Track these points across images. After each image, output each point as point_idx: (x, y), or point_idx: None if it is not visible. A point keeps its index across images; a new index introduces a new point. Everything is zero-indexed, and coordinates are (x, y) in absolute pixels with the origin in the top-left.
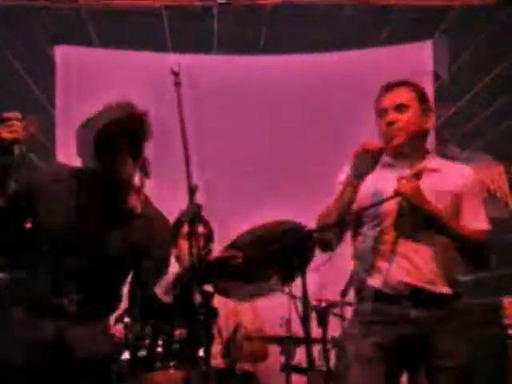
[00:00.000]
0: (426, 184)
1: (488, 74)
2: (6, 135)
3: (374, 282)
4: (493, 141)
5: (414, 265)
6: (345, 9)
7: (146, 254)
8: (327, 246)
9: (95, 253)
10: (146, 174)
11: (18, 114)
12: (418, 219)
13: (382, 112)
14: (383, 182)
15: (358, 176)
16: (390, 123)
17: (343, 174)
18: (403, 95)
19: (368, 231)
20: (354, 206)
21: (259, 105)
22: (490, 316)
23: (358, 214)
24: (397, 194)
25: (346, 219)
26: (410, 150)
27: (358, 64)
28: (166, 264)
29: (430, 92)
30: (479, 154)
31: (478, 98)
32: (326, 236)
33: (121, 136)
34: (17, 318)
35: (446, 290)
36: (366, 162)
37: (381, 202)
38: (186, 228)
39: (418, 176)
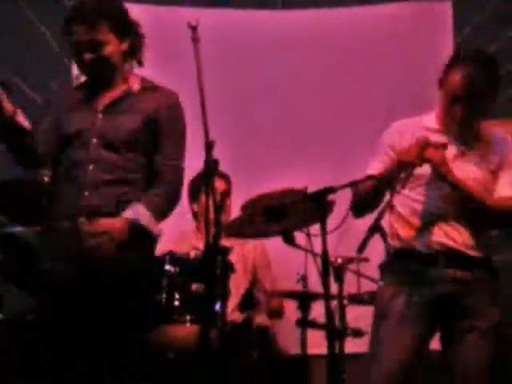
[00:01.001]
0: (472, 154)
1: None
2: None
3: (414, 241)
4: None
5: (452, 227)
6: None
7: (157, 121)
8: (362, 210)
9: (108, 141)
10: (137, 60)
11: None
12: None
13: (453, 93)
14: None
15: (401, 169)
16: (463, 117)
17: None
18: (478, 82)
19: (407, 192)
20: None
21: (279, 61)
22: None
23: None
24: (424, 160)
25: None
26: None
27: (379, 19)
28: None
29: (449, 50)
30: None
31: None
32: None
33: (94, 10)
34: None
35: (478, 253)
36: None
37: (414, 166)
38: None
39: (445, 147)
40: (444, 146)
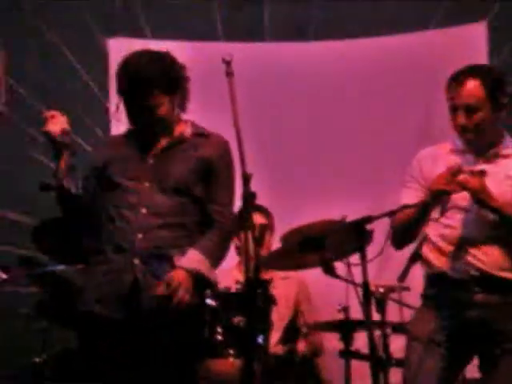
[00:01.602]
0: (499, 169)
1: None
2: (53, 128)
3: (444, 266)
4: None
5: (481, 251)
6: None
7: (210, 169)
8: (401, 242)
9: (160, 185)
10: (182, 107)
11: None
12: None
13: (453, 108)
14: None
15: (437, 198)
16: (462, 126)
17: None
18: (474, 94)
19: (438, 217)
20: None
21: (313, 91)
22: None
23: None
24: (463, 188)
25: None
26: (482, 140)
27: (411, 48)
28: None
29: None
30: None
31: None
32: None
33: (147, 80)
34: None
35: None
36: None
37: (443, 194)
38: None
39: (483, 173)
40: (482, 173)
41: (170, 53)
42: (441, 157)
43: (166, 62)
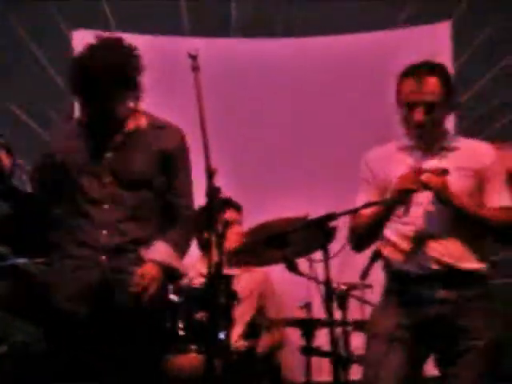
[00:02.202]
0: (448, 162)
1: (499, 60)
2: None
3: (404, 263)
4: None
5: (441, 244)
6: None
7: (170, 160)
8: (362, 244)
9: (121, 180)
10: (137, 99)
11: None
12: (442, 206)
13: (410, 104)
14: (406, 165)
15: (402, 197)
16: (418, 123)
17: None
18: (434, 91)
19: (402, 215)
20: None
21: (278, 88)
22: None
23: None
24: (425, 187)
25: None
26: (431, 136)
27: (373, 46)
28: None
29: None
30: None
31: (494, 82)
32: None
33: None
34: None
35: (473, 265)
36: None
37: (408, 194)
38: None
39: (445, 172)
40: (444, 172)
41: (123, 41)
42: (390, 156)
43: (119, 54)
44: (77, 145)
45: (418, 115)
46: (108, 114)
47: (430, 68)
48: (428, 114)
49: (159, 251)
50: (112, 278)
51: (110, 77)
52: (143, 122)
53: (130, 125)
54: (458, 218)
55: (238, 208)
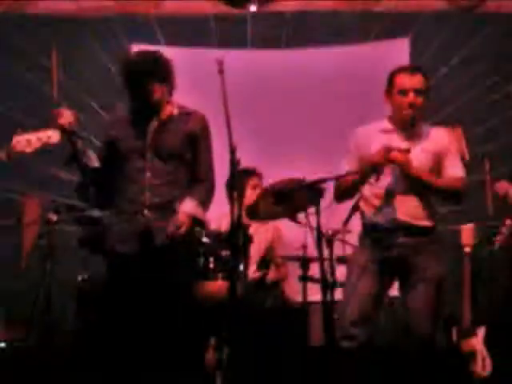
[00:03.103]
0: (416, 144)
1: (445, 65)
2: (62, 121)
3: (374, 216)
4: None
5: (403, 204)
6: (342, 14)
7: (195, 139)
8: (343, 198)
9: (159, 157)
10: (170, 93)
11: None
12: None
13: (402, 91)
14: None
15: (374, 168)
16: (412, 105)
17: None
18: (422, 81)
19: (374, 180)
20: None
21: (284, 89)
22: (453, 239)
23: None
24: (392, 162)
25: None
26: (414, 120)
27: (353, 56)
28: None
29: None
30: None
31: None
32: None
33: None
34: None
35: (424, 222)
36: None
37: (379, 166)
38: (251, 180)
39: (407, 151)
40: (407, 151)
41: (161, 52)
42: (372, 135)
43: (160, 58)
44: (126, 129)
45: (410, 97)
46: (148, 104)
47: (417, 67)
48: (416, 97)
49: (187, 205)
50: (153, 226)
51: (146, 76)
52: (175, 110)
53: (166, 112)
54: (415, 186)
55: (258, 175)
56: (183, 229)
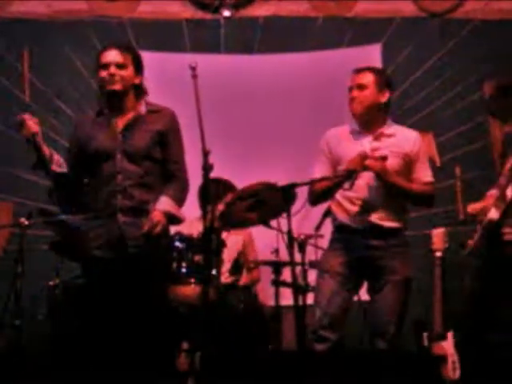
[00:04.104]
0: (384, 146)
1: (417, 70)
2: (25, 132)
3: (345, 219)
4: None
5: (373, 208)
6: (317, 20)
7: (164, 137)
8: (317, 202)
9: (129, 158)
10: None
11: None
12: (379, 182)
13: (349, 89)
14: (354, 146)
15: (349, 174)
16: (352, 99)
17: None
18: (364, 77)
19: (348, 187)
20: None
21: (257, 94)
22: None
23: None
24: (368, 169)
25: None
26: (368, 118)
27: (326, 61)
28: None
29: None
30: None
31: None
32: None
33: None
34: None
35: (394, 224)
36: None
37: (355, 173)
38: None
39: (384, 159)
40: (384, 158)
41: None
42: (343, 137)
43: (134, 51)
44: (94, 130)
45: (354, 94)
46: (117, 104)
47: (366, 67)
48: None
49: (163, 203)
50: (126, 230)
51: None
52: (143, 108)
53: (134, 112)
54: (388, 191)
55: (233, 189)
56: (159, 227)
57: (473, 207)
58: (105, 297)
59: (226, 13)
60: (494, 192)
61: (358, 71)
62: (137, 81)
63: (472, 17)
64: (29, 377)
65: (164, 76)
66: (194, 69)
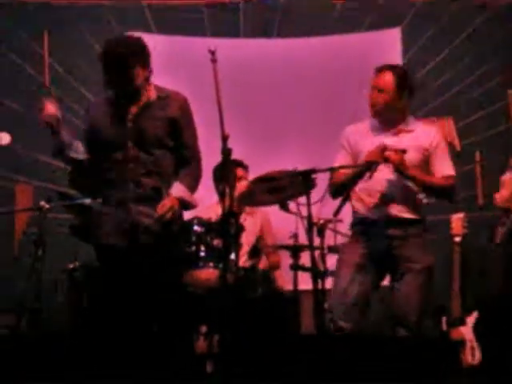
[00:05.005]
0: (403, 141)
1: (437, 55)
2: (45, 117)
3: (365, 211)
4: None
5: (391, 200)
6: (336, 3)
7: (176, 123)
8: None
9: (141, 146)
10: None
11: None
12: (397, 175)
13: (372, 88)
14: (374, 142)
15: (369, 166)
16: (373, 100)
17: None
18: (385, 79)
19: (368, 178)
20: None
21: (275, 78)
22: (443, 228)
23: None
24: (387, 161)
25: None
26: (387, 118)
27: (345, 45)
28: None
29: None
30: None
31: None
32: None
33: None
34: None
35: (413, 216)
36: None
37: (374, 164)
38: (237, 171)
39: (404, 152)
40: (403, 151)
41: (141, 37)
42: (363, 133)
43: (141, 42)
44: (104, 119)
45: (374, 96)
46: (130, 89)
47: (387, 66)
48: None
49: (176, 188)
50: (138, 219)
51: (131, 59)
52: (153, 94)
53: (144, 98)
54: (406, 184)
55: (244, 167)
56: (171, 212)
57: (501, 196)
58: (120, 283)
59: None
60: (508, 176)
61: (379, 71)
62: (147, 73)
63: (492, 1)
64: (49, 361)
65: (182, 60)
66: (213, 53)
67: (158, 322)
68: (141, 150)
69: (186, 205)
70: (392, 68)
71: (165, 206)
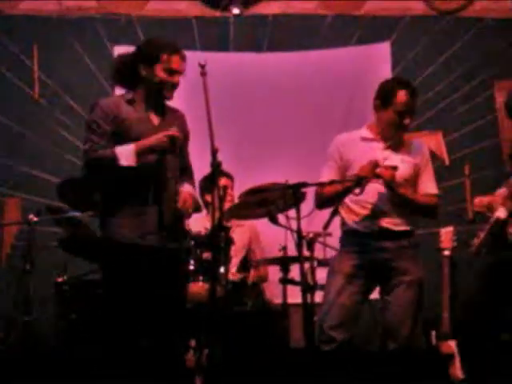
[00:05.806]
0: (396, 156)
1: (426, 69)
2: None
3: (354, 223)
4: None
5: (382, 213)
6: (326, 18)
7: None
8: (325, 207)
9: None
10: None
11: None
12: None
13: (399, 109)
14: (366, 153)
15: (359, 181)
16: (406, 126)
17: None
18: (414, 104)
19: (358, 193)
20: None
21: (265, 92)
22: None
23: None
24: (378, 177)
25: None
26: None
27: (335, 59)
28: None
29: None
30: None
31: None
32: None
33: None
34: None
35: (404, 228)
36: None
37: (364, 180)
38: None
39: (395, 169)
40: (394, 168)
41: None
42: (354, 143)
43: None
44: (134, 121)
45: (407, 121)
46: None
47: (414, 88)
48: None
49: (188, 188)
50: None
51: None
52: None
53: (166, 106)
54: (397, 199)
55: (229, 176)
56: (188, 206)
57: (480, 200)
58: (130, 287)
59: (235, 10)
60: (503, 191)
61: (412, 93)
62: None
63: (482, 15)
64: (39, 374)
65: None
66: (203, 67)
67: (149, 336)
68: (171, 155)
69: (197, 205)
70: (416, 91)
71: (187, 200)
